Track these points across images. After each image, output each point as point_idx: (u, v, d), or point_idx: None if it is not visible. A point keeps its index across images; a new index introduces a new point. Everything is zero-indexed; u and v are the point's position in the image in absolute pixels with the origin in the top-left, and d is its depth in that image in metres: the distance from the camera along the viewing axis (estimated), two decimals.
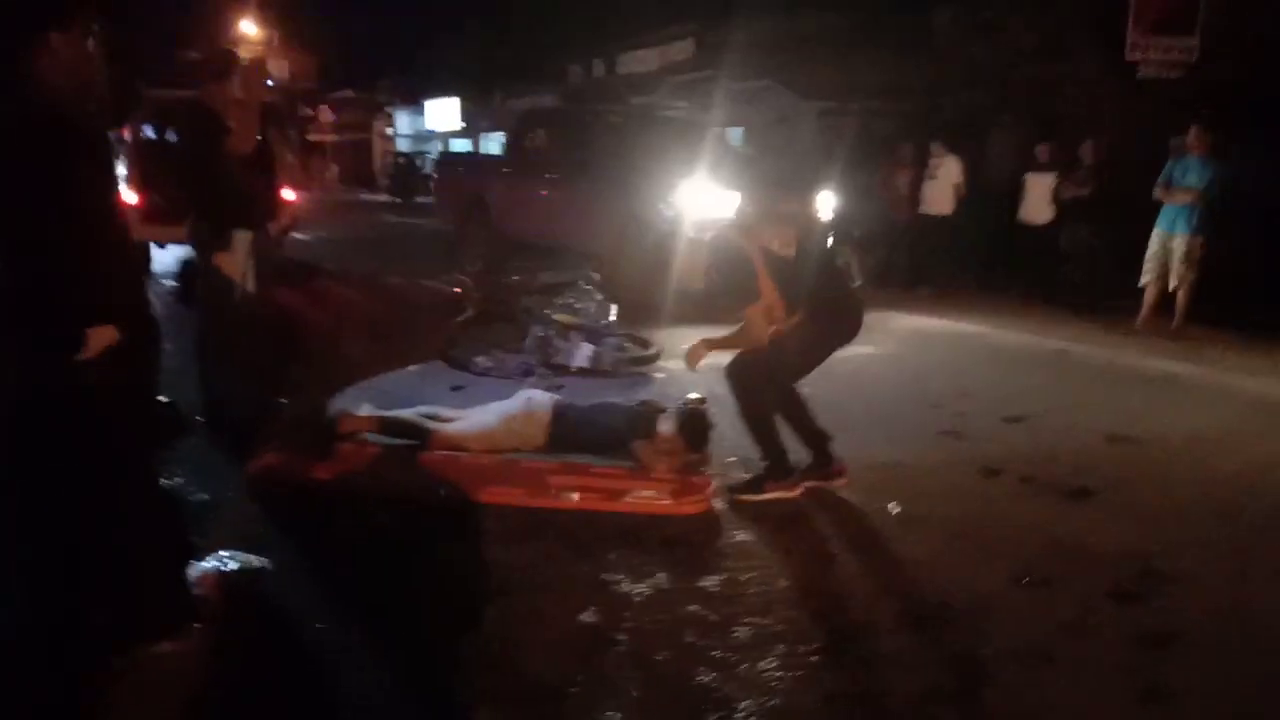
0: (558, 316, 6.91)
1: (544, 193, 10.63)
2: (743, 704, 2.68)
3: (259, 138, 5.12)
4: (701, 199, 8.53)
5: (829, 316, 4.34)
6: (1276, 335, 8.45)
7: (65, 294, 2.54)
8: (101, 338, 2.57)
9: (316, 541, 3.73)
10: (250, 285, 5.23)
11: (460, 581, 3.47)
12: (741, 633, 3.10)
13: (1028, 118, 13.27)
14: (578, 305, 7.14)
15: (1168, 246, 8.78)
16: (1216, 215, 8.66)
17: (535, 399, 4.96)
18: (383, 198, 33.92)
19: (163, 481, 3.95)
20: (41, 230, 2.49)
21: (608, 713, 2.64)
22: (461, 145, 32.43)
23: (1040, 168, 10.98)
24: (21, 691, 2.52)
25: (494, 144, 30.75)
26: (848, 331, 4.42)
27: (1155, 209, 8.96)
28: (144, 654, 2.75)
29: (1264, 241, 9.61)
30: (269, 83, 9.59)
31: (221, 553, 3.39)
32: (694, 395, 4.90)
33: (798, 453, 4.42)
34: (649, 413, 4.78)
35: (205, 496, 4.12)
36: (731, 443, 4.64)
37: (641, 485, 4.34)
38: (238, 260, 5.07)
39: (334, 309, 9.17)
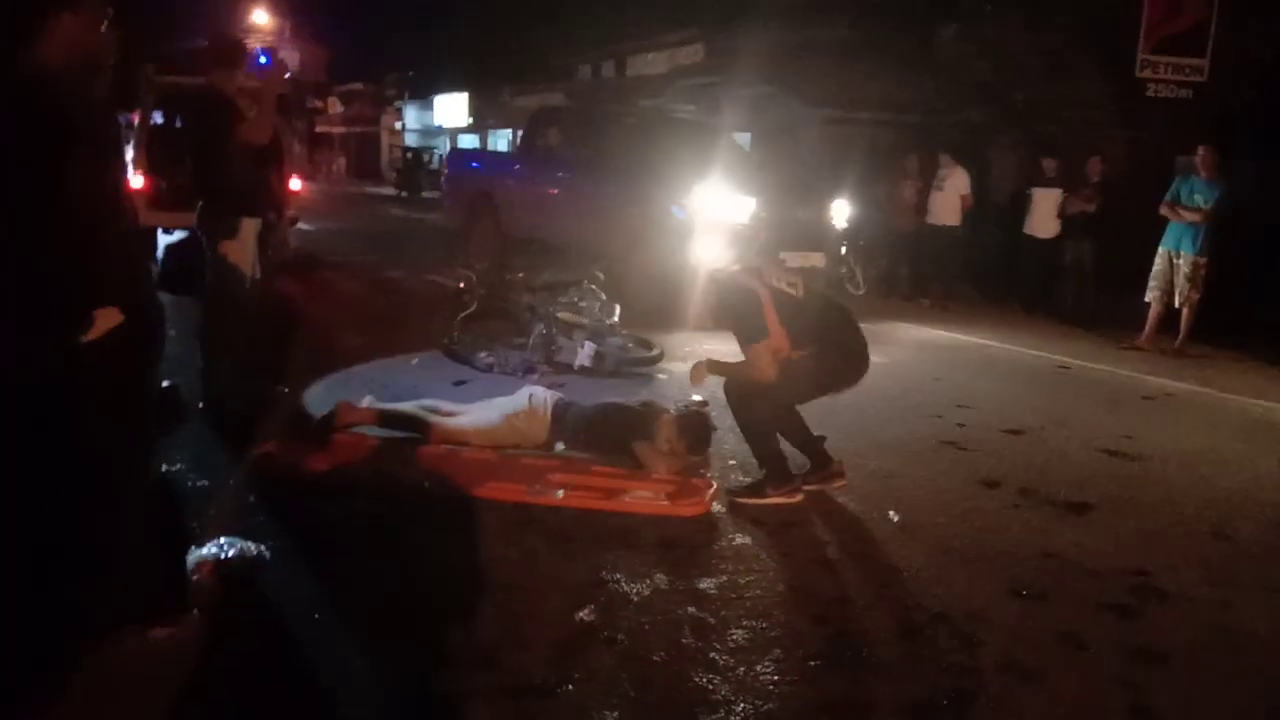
0: (561, 315, 6.92)
1: (555, 192, 10.50)
2: (738, 707, 2.69)
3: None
4: (715, 202, 8.48)
5: (836, 358, 4.34)
6: (1277, 355, 8.46)
7: (70, 275, 2.53)
8: (106, 320, 2.57)
9: (315, 531, 3.73)
10: (256, 273, 5.25)
11: (457, 577, 3.47)
12: (738, 635, 3.10)
13: (1029, 136, 13.32)
14: (581, 304, 7.15)
15: (1172, 264, 8.79)
16: (1221, 235, 8.68)
17: (537, 396, 4.97)
18: (389, 191, 33.98)
19: (162, 468, 3.98)
20: (46, 209, 2.49)
21: (603, 712, 2.64)
22: (469, 141, 32.44)
23: (1047, 182, 10.99)
24: (15, 676, 2.52)
25: (502, 141, 30.81)
26: (851, 377, 4.42)
27: (1157, 226, 8.98)
28: (140, 640, 2.75)
29: (1267, 262, 9.64)
30: (287, 75, 9.57)
31: (220, 540, 3.39)
32: (696, 397, 4.91)
33: (794, 458, 4.43)
34: (650, 414, 4.79)
35: (205, 483, 4.12)
36: (732, 446, 4.65)
37: (641, 486, 4.35)
38: (246, 248, 5.08)
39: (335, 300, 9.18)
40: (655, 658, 2.94)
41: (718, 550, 3.81)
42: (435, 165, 34.22)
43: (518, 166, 11.67)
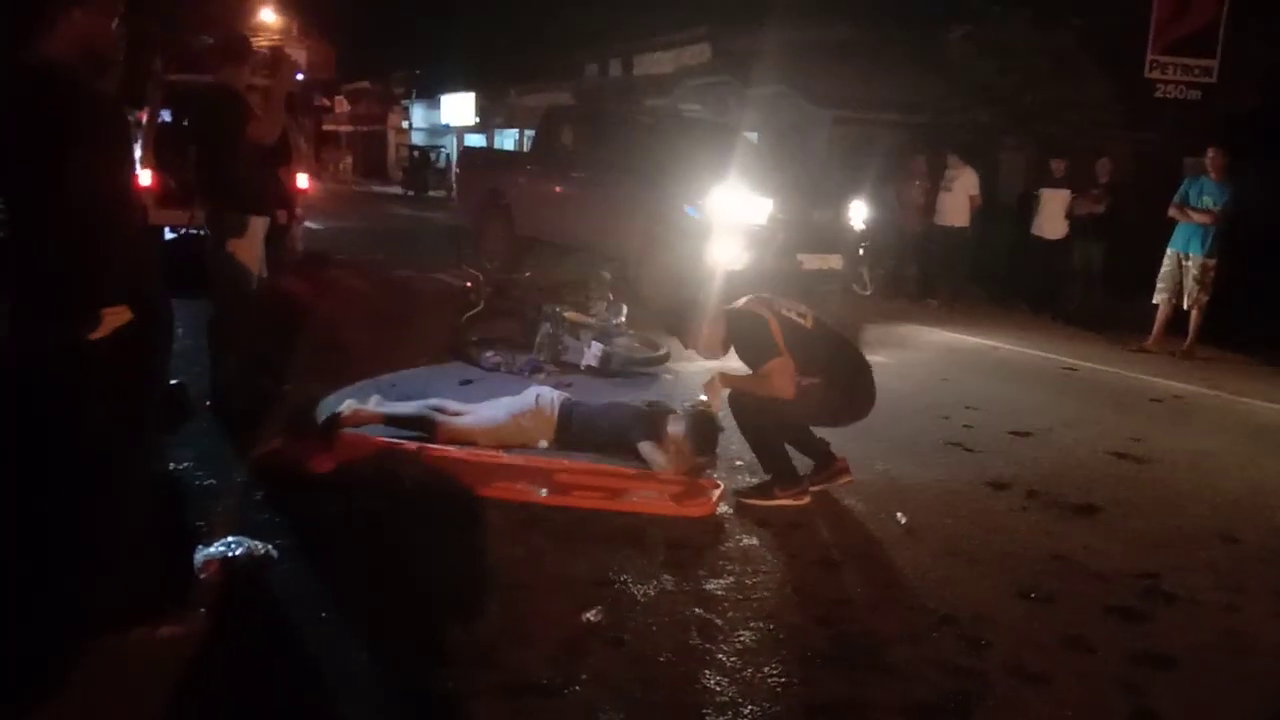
0: (568, 314, 6.92)
1: (569, 192, 10.39)
2: (745, 709, 2.69)
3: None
4: (732, 203, 8.41)
5: (841, 395, 4.32)
6: None
7: (79, 272, 2.54)
8: (114, 318, 2.57)
9: (321, 530, 3.73)
10: (263, 272, 5.25)
11: (463, 575, 3.48)
12: (745, 637, 3.10)
13: (1037, 137, 13.29)
14: (588, 304, 7.15)
15: (1181, 266, 8.77)
16: (1230, 237, 8.66)
17: (544, 396, 4.98)
18: (395, 190, 34.00)
19: (170, 466, 3.99)
20: (55, 205, 2.49)
21: (609, 713, 2.64)
22: (475, 141, 32.45)
23: (1055, 183, 10.96)
24: (19, 672, 2.53)
25: (508, 140, 30.79)
26: (854, 415, 4.40)
27: (1165, 228, 8.95)
28: (147, 637, 2.76)
29: (1275, 265, 9.61)
30: (298, 75, 9.58)
31: (227, 538, 3.39)
32: (703, 398, 4.90)
33: (799, 460, 4.43)
34: (657, 414, 4.79)
35: (212, 482, 4.13)
36: (739, 447, 4.64)
37: (648, 486, 4.35)
38: (254, 247, 5.09)
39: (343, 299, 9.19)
40: (661, 658, 2.94)
41: (724, 551, 3.81)
42: (442, 164, 34.23)
43: (531, 166, 11.54)
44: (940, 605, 3.42)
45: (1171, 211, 8.81)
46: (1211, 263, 8.63)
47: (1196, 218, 8.64)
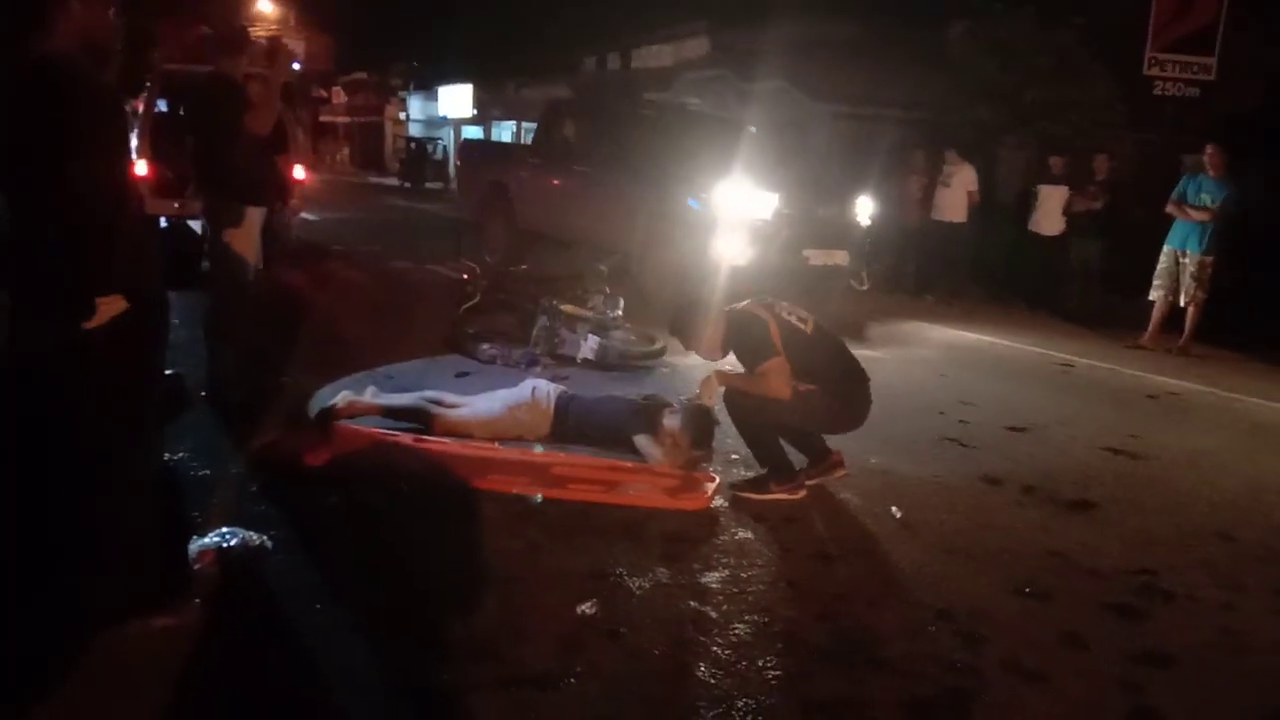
0: (564, 307, 6.91)
1: (572, 185, 10.28)
2: (739, 703, 2.68)
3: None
4: (736, 198, 8.33)
5: (837, 404, 4.30)
6: None
7: (75, 259, 2.52)
8: (110, 308, 2.56)
9: (317, 521, 3.72)
10: (259, 262, 5.23)
11: (459, 568, 3.47)
12: (740, 631, 3.09)
13: (1038, 135, 13.28)
14: (585, 297, 7.14)
15: (1178, 263, 8.77)
16: (1228, 235, 8.66)
17: (540, 389, 4.97)
18: (393, 182, 33.93)
19: (165, 457, 3.97)
20: (53, 195, 2.48)
21: (605, 706, 2.64)
22: (473, 133, 32.39)
23: (1053, 180, 10.96)
24: (16, 664, 2.52)
25: (505, 132, 30.73)
26: (852, 420, 4.37)
27: (1163, 226, 8.95)
28: (143, 629, 2.75)
29: (1271, 262, 9.62)
30: (295, 66, 9.54)
31: (222, 529, 3.38)
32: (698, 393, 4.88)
33: (793, 455, 4.43)
34: (653, 407, 4.79)
35: (207, 473, 4.11)
36: (734, 441, 4.63)
37: (644, 479, 4.34)
38: (250, 237, 5.07)
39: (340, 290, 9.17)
40: (657, 651, 2.94)
41: (720, 545, 3.80)
42: (439, 156, 34.16)
43: (533, 159, 11.39)
44: (936, 601, 3.42)
45: (1169, 209, 8.82)
46: (1209, 260, 8.64)
47: (1194, 215, 8.64)
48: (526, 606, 3.17)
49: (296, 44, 39.27)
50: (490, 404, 4.91)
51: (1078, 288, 10.66)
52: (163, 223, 9.36)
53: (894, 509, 4.27)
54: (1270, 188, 9.61)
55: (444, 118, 36.82)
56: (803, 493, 4.29)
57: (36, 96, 2.45)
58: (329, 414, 4.68)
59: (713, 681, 2.78)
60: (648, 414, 4.74)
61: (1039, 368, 7.99)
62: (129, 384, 2.71)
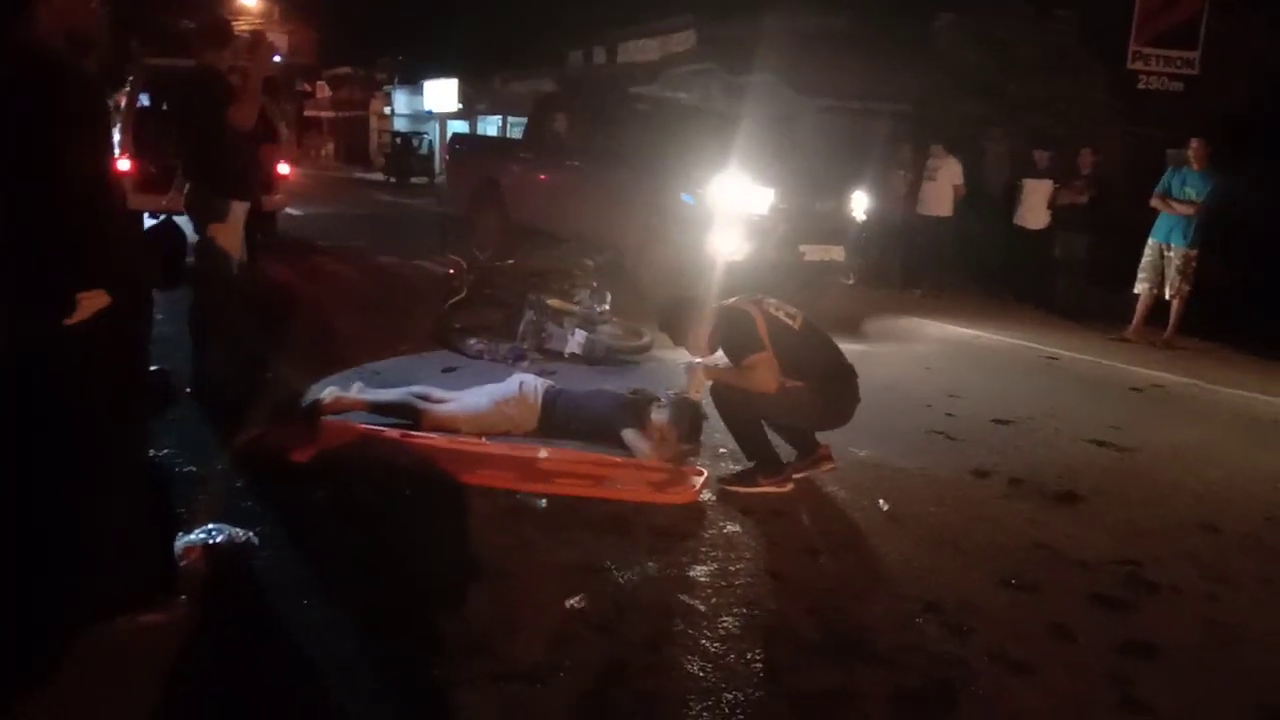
0: (551, 302, 6.89)
1: (565, 180, 10.18)
2: (728, 695, 2.68)
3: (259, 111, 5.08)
4: (732, 193, 8.28)
5: (822, 402, 4.29)
6: (1265, 349, 8.52)
7: (58, 255, 2.50)
8: (93, 303, 2.54)
9: (304, 517, 3.71)
10: (244, 257, 5.21)
11: (447, 563, 3.46)
12: (729, 623, 3.10)
13: (1024, 128, 13.31)
14: (572, 291, 7.12)
15: (1163, 256, 8.82)
16: (1212, 228, 8.71)
17: (528, 384, 4.96)
18: (377, 177, 33.80)
19: (151, 453, 3.94)
20: (34, 185, 2.45)
21: (595, 699, 2.64)
22: (459, 127, 32.28)
23: (1038, 173, 11.00)
24: (2, 659, 2.50)
25: (491, 126, 30.63)
26: (838, 417, 4.38)
27: (1149, 220, 8.99)
28: (129, 626, 2.73)
29: (1256, 256, 9.68)
30: (276, 58, 9.52)
31: (208, 525, 3.36)
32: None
33: (781, 447, 4.44)
34: (641, 401, 4.79)
35: (193, 469, 4.09)
36: (722, 435, 4.63)
37: (631, 474, 4.34)
38: (235, 232, 5.04)
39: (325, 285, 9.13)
40: (646, 645, 2.94)
41: (708, 538, 3.80)
42: (424, 151, 34.03)
43: (525, 154, 11.28)
44: (924, 593, 3.43)
45: (1154, 202, 8.86)
46: (1194, 253, 8.68)
47: (1178, 208, 8.69)
48: (516, 600, 3.16)
49: (280, 38, 39.14)
50: (477, 399, 4.89)
51: (1063, 281, 10.70)
52: (149, 219, 9.31)
53: (881, 502, 4.28)
54: (1256, 181, 9.66)
55: (429, 112, 36.68)
56: (790, 486, 4.30)
57: (15, 87, 2.42)
58: (315, 409, 4.66)
59: (701, 674, 2.78)
60: (635, 408, 4.74)
61: (1025, 361, 8.03)
62: (112, 379, 2.68)
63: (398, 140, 34.82)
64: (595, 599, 3.19)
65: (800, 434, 4.49)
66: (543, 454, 4.50)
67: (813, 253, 8.84)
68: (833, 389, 4.31)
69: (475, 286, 7.48)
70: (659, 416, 4.63)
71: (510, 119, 29.09)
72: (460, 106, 33.81)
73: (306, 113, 44.92)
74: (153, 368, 4.88)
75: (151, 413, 4.04)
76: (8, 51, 2.46)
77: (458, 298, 7.33)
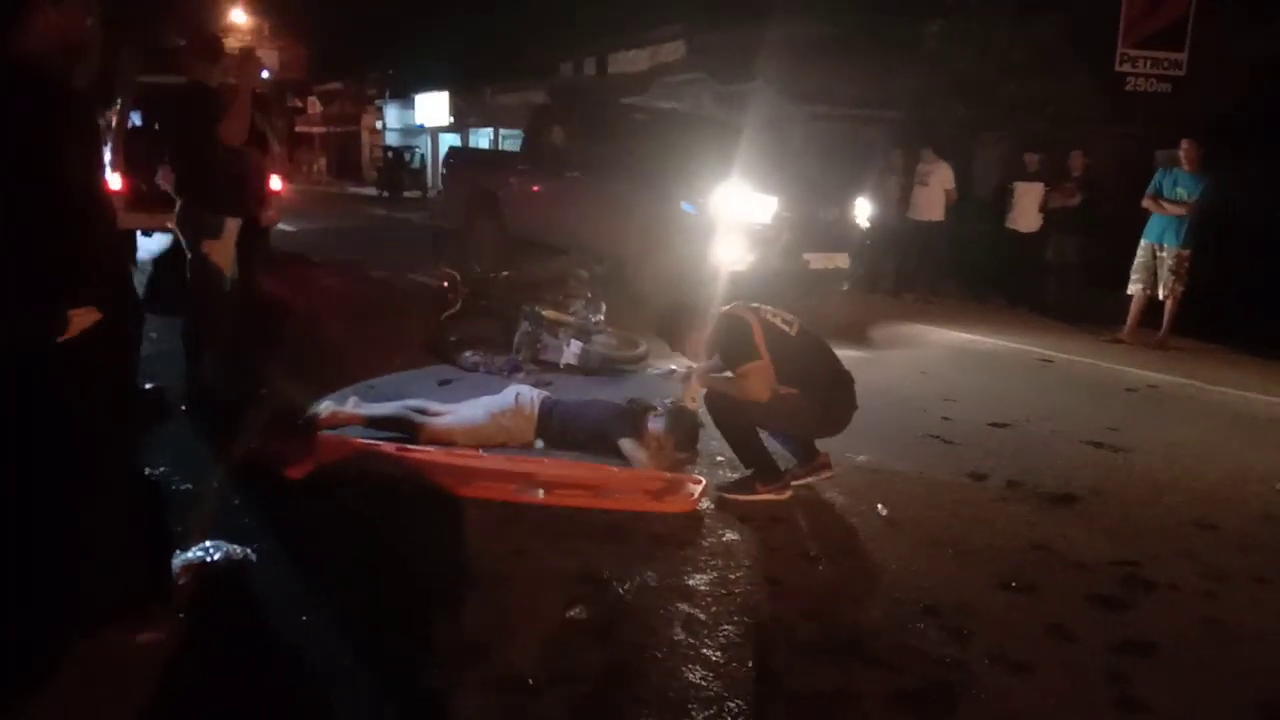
0: (546, 313, 6.90)
1: (564, 191, 10.13)
2: (730, 703, 2.68)
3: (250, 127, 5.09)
4: (735, 202, 8.24)
5: (821, 405, 4.30)
6: (1260, 349, 8.53)
7: (49, 271, 2.50)
8: (82, 320, 2.53)
9: (301, 532, 3.70)
10: (235, 273, 5.21)
11: (446, 574, 3.46)
12: (729, 631, 3.10)
13: (1014, 131, 13.35)
14: (567, 302, 7.13)
15: (1156, 257, 8.85)
16: (1205, 229, 8.73)
17: (524, 395, 4.96)
18: (370, 191, 33.83)
19: (146, 470, 3.94)
20: (24, 200, 2.45)
21: (595, 707, 2.64)
22: (450, 140, 32.34)
23: (1029, 176, 11.04)
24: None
25: (483, 139, 30.69)
26: (834, 424, 4.38)
27: (1140, 221, 9.02)
28: (126, 644, 2.73)
29: (1249, 256, 9.70)
30: (264, 74, 9.49)
31: (205, 542, 3.36)
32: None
33: (779, 454, 4.45)
34: (637, 410, 4.79)
35: (189, 486, 4.09)
36: (719, 443, 4.64)
37: (629, 483, 4.34)
38: (228, 248, 5.05)
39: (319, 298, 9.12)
40: (646, 653, 2.94)
41: (707, 546, 3.80)
42: (416, 165, 34.08)
43: (522, 165, 11.26)
44: (923, 596, 3.43)
45: (1145, 203, 8.89)
46: (1186, 253, 8.71)
47: (1170, 209, 8.72)
48: (515, 610, 3.16)
49: (270, 54, 39.19)
50: (474, 411, 4.90)
51: (1056, 283, 10.73)
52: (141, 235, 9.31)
53: (879, 506, 4.29)
54: (1249, 181, 9.69)
55: (421, 126, 36.74)
56: (789, 493, 4.30)
57: (5, 100, 2.42)
58: (311, 424, 4.67)
59: (702, 682, 2.78)
60: (632, 417, 4.74)
61: (1019, 363, 8.05)
62: (101, 393, 2.68)
63: (389, 154, 34.87)
64: (595, 608, 3.19)
65: (798, 441, 4.50)
66: (540, 464, 4.50)
67: (817, 261, 8.81)
68: (829, 396, 4.32)
69: (470, 299, 7.49)
70: (655, 425, 4.64)
71: (502, 131, 29.16)
72: (452, 120, 33.88)
73: (298, 128, 44.98)
74: (147, 385, 4.91)
75: (146, 430, 4.04)
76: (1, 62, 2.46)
77: (452, 310, 7.34)
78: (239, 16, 39.70)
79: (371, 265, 12.17)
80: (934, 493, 4.56)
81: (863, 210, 9.51)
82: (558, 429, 4.84)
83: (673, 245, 8.47)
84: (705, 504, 4.21)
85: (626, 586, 3.38)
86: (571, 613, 3.15)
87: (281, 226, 12.14)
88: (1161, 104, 11.49)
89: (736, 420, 4.30)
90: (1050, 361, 8.09)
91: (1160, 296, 8.84)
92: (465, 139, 32.00)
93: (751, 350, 4.15)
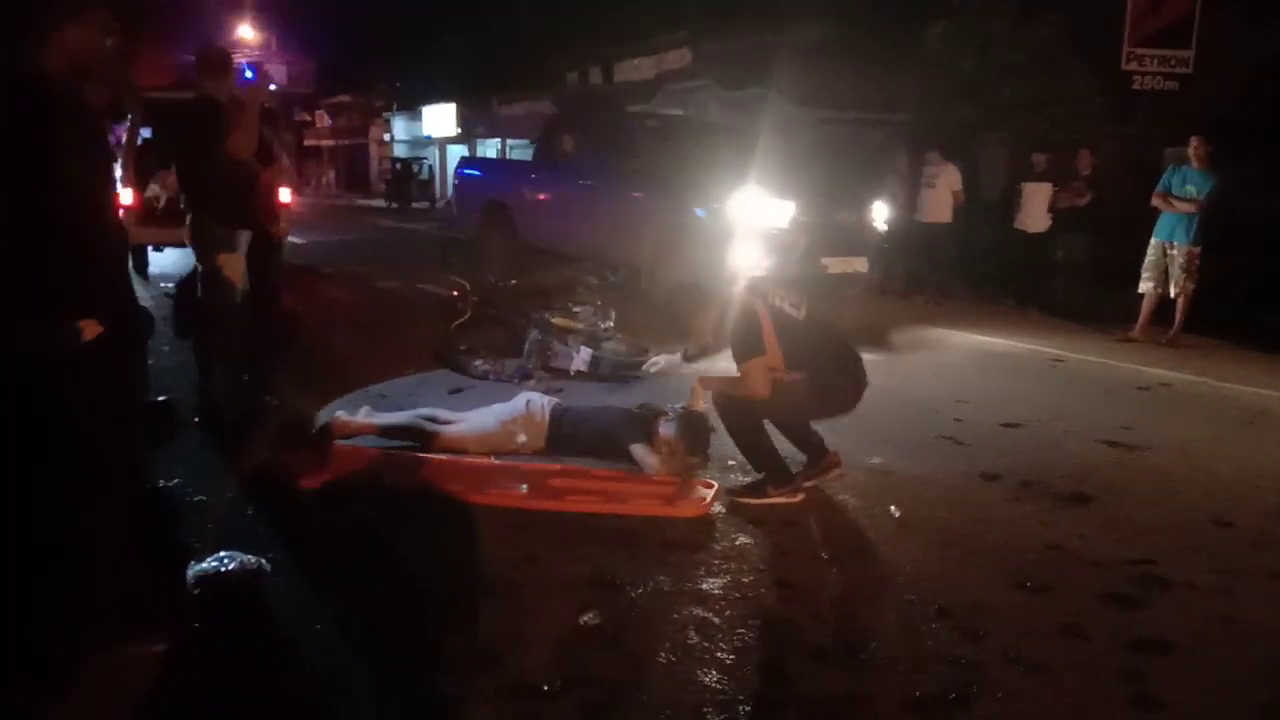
0: (556, 320, 6.92)
1: (576, 199, 10.14)
2: (745, 707, 2.68)
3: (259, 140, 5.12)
4: (751, 207, 8.22)
5: (827, 388, 4.30)
6: (1271, 345, 8.49)
7: (57, 283, 2.52)
8: (88, 331, 2.55)
9: (314, 541, 3.71)
10: (245, 285, 5.24)
11: (458, 582, 3.46)
12: (743, 634, 3.09)
13: (1018, 132, 13.34)
14: (576, 309, 7.14)
15: (1166, 255, 8.82)
16: (1214, 226, 8.71)
17: (534, 402, 4.97)
18: (378, 203, 33.95)
19: (160, 482, 3.96)
20: (36, 213, 2.47)
21: (610, 714, 2.63)
22: (458, 151, 32.46)
23: (1036, 177, 11.01)
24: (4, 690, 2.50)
25: (490, 149, 30.78)
26: (842, 404, 4.38)
27: (1149, 219, 9.00)
28: (138, 654, 2.74)
29: (1260, 253, 9.66)
30: (272, 87, 9.58)
31: (220, 553, 3.37)
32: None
33: (789, 454, 4.44)
34: (648, 415, 4.78)
35: (202, 497, 4.10)
36: (731, 446, 4.64)
37: (641, 488, 4.34)
38: (239, 261, 5.08)
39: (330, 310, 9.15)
40: (660, 658, 2.93)
41: (720, 550, 3.80)
42: (424, 176, 34.21)
43: (534, 174, 11.29)
44: (937, 597, 3.42)
45: (1155, 201, 8.86)
46: (1197, 251, 8.68)
47: (1180, 206, 8.69)
48: (528, 616, 3.17)
49: (278, 68, 39.37)
50: (485, 419, 4.91)
51: (1065, 283, 10.69)
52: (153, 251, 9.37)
53: (892, 508, 4.28)
54: (1258, 178, 9.66)
55: (428, 137, 36.88)
56: (801, 495, 4.30)
57: (16, 115, 2.45)
58: (324, 434, 4.68)
59: (715, 687, 2.78)
60: (643, 422, 4.74)
61: (1031, 364, 8.02)
62: (105, 404, 2.69)
63: (398, 166, 35.03)
64: (608, 613, 3.19)
65: (810, 440, 4.49)
66: (552, 470, 4.50)
67: (835, 265, 8.79)
68: (832, 379, 4.31)
69: (479, 307, 7.51)
70: (666, 430, 4.64)
71: (510, 142, 29.24)
72: (459, 131, 34.00)
73: (306, 142, 45.23)
74: (159, 399, 4.93)
75: (157, 442, 4.06)
76: (9, 80, 2.49)
77: (462, 319, 7.36)
78: (247, 31, 39.92)
79: (380, 276, 12.20)
80: (947, 494, 4.55)
81: (880, 213, 9.49)
82: (569, 435, 4.84)
83: (688, 252, 8.45)
84: (717, 508, 4.21)
85: (639, 592, 3.38)
86: (584, 619, 3.15)
87: (291, 239, 12.14)
88: (1161, 104, 11.47)
89: (744, 422, 4.30)
90: (1061, 361, 8.06)
91: (1171, 294, 8.81)
92: (472, 150, 32.08)
93: (756, 344, 4.16)
